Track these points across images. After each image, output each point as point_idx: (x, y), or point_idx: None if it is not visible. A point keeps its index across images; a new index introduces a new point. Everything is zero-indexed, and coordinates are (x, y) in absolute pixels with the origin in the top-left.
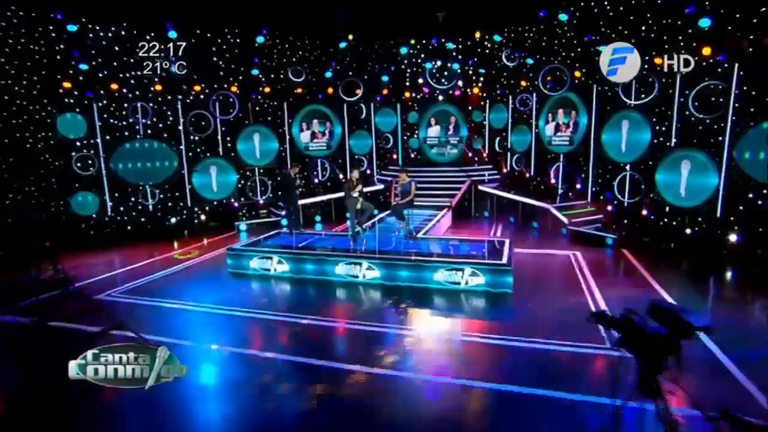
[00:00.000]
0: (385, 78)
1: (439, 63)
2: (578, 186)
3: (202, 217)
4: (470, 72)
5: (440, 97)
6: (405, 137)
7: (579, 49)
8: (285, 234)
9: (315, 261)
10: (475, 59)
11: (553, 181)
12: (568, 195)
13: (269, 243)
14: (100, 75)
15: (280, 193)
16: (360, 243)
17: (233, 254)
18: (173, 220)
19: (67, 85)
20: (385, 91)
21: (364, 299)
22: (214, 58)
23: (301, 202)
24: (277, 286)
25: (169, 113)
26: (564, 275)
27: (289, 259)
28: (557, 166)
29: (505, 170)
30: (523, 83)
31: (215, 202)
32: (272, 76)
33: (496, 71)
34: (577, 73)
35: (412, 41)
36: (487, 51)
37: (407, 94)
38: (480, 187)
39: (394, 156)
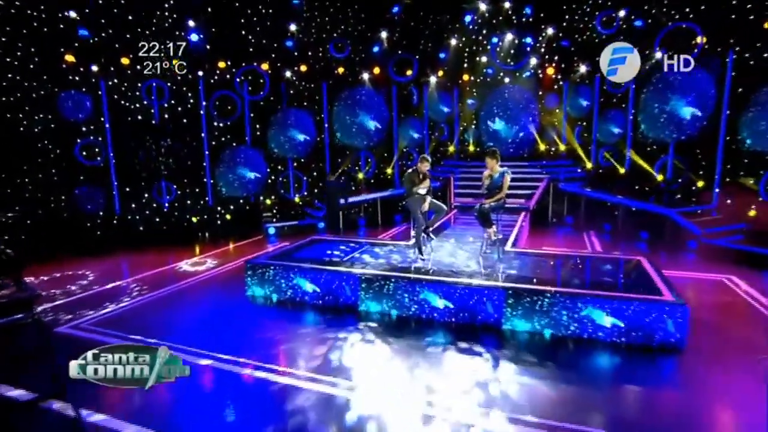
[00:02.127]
0: (442, 55)
1: (510, 36)
2: (696, 185)
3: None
4: (542, 48)
5: (506, 80)
6: (461, 127)
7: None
8: (324, 241)
9: (387, 282)
10: (556, 30)
11: (659, 178)
12: (673, 196)
13: (302, 254)
14: (116, 46)
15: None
16: (427, 256)
17: (254, 270)
18: (194, 219)
19: (70, 58)
20: (440, 73)
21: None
22: (242, 31)
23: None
24: (323, 319)
25: (189, 94)
26: (744, 316)
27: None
28: (664, 161)
29: (589, 166)
30: None
31: (241, 200)
32: (309, 53)
33: (580, 45)
34: (699, 39)
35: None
36: (566, 21)
37: (466, 77)
38: (561, 186)
39: (451, 148)
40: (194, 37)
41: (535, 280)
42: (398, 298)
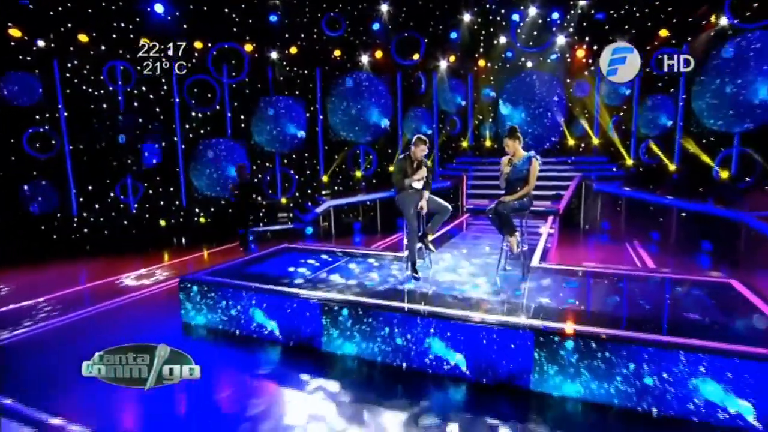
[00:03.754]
0: (453, 35)
1: (533, 12)
2: None
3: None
4: (572, 25)
5: (529, 64)
6: (476, 120)
7: None
8: (296, 250)
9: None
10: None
11: (724, 175)
12: (739, 197)
13: (261, 268)
14: (68, 23)
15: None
16: (424, 273)
17: (189, 289)
18: (162, 222)
19: (15, 32)
20: (452, 57)
21: None
22: (226, 10)
23: (336, 202)
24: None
25: (163, 80)
26: None
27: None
28: (726, 154)
29: (629, 162)
30: (663, 33)
31: (222, 202)
32: (302, 35)
33: (618, 19)
34: None
35: None
36: None
37: (482, 63)
38: (596, 186)
39: (464, 144)
40: (159, 8)
41: (581, 315)
42: (376, 336)
